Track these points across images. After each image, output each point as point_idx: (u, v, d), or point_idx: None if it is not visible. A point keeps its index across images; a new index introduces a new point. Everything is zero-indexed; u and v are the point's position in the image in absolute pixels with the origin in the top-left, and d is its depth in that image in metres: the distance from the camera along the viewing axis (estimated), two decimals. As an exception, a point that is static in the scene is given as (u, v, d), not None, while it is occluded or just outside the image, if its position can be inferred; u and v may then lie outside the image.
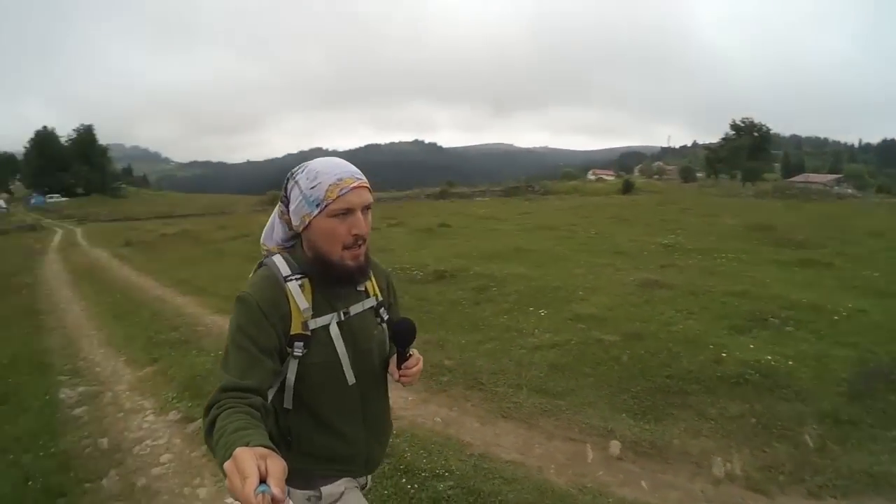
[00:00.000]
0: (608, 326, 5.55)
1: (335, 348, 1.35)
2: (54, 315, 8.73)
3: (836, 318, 5.48)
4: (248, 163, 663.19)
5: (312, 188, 1.29)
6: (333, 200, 1.27)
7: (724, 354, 4.52)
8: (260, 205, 43.95)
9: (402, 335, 1.40)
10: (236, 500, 0.78)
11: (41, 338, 7.23)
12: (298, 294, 1.30)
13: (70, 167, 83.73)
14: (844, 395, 3.87)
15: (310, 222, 1.30)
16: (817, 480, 3.07)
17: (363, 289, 1.46)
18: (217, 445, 1.00)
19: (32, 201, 70.15)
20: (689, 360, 4.50)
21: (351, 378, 1.37)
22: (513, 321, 6.14)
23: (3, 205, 61.22)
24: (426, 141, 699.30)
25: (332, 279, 1.34)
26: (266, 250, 1.44)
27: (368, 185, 1.34)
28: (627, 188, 42.83)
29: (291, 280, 1.31)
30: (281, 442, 1.37)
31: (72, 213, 56.20)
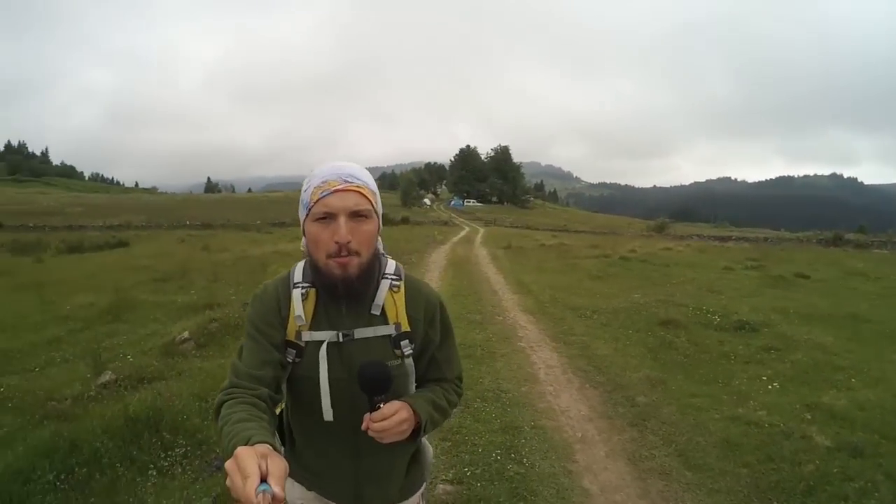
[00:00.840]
0: (854, 427, 3.84)
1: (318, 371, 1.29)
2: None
3: None
4: (655, 188, 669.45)
5: (305, 190, 1.26)
6: (314, 203, 1.22)
7: None
8: (647, 230, 44.11)
9: (363, 378, 1.20)
10: (237, 499, 0.79)
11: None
12: (298, 302, 1.29)
13: (487, 179, 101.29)
14: None
15: (303, 227, 1.28)
16: None
17: (379, 312, 1.33)
18: (221, 432, 1.06)
19: (452, 203, 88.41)
20: None
21: (328, 412, 1.27)
22: (743, 385, 4.95)
23: (428, 202, 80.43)
24: (845, 175, 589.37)
25: (321, 288, 1.29)
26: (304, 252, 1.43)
27: (362, 189, 1.24)
28: None
29: (297, 287, 1.30)
30: (286, 438, 1.44)
31: (482, 216, 67.47)
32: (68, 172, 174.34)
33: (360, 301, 1.30)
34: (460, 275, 13.21)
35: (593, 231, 46.66)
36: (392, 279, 1.34)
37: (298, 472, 1.39)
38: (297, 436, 1.42)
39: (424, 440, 1.52)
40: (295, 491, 1.40)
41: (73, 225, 38.66)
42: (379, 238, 1.36)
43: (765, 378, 5.08)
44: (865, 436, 3.70)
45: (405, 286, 1.36)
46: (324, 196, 1.20)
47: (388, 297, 1.32)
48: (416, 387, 1.41)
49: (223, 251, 19.25)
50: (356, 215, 1.21)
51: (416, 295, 1.38)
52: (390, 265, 1.37)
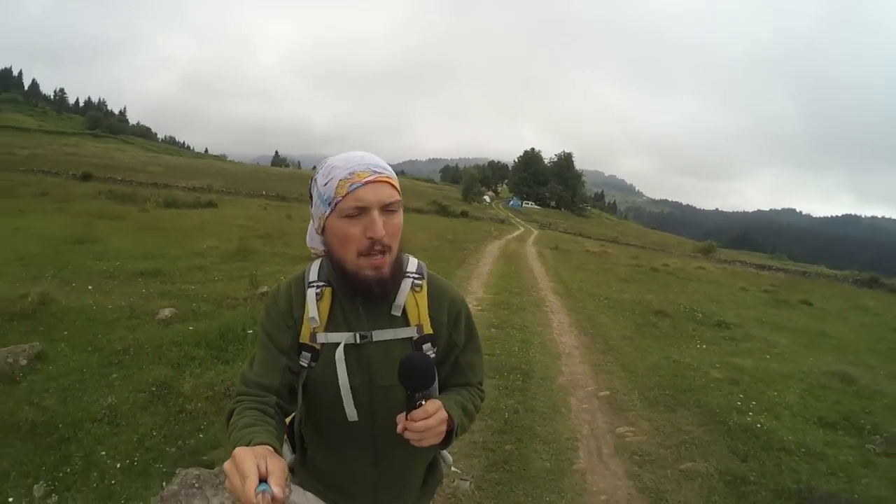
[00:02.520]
0: (743, 374, 5.76)
1: (336, 374, 1.20)
2: (474, 265, 13.56)
3: None
4: (717, 211, 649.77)
5: (325, 185, 1.14)
6: (343, 197, 1.10)
7: None
8: (695, 251, 45.16)
9: (406, 371, 1.08)
10: (236, 499, 0.80)
11: (453, 273, 11.45)
12: (312, 302, 1.21)
13: (547, 183, 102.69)
14: None
15: (325, 224, 1.16)
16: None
17: (399, 313, 1.23)
18: (229, 438, 1.04)
19: (511, 203, 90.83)
20: None
21: (352, 414, 1.20)
22: (687, 349, 6.81)
23: (488, 200, 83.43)
24: None
25: (348, 290, 1.20)
26: (314, 253, 1.31)
27: (392, 180, 1.15)
28: None
29: (312, 286, 1.23)
30: (298, 448, 1.39)
31: (538, 218, 69.31)
32: (144, 133, 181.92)
33: (379, 301, 1.21)
34: (509, 263, 15.70)
35: (643, 245, 47.75)
36: (414, 278, 1.26)
37: (312, 481, 1.36)
38: (310, 444, 1.35)
39: (444, 451, 1.44)
40: (309, 500, 1.36)
41: (159, 182, 38.89)
42: None
43: (705, 347, 7.31)
44: (748, 378, 5.86)
45: (428, 286, 1.28)
46: (354, 188, 1.10)
47: (410, 297, 1.24)
48: (439, 392, 1.29)
49: (305, 220, 21.98)
50: (388, 208, 1.13)
51: (440, 295, 1.29)
52: (412, 263, 1.29)
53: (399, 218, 1.16)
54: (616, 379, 5.51)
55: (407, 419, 1.07)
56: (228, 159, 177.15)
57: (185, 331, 5.02)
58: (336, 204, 1.12)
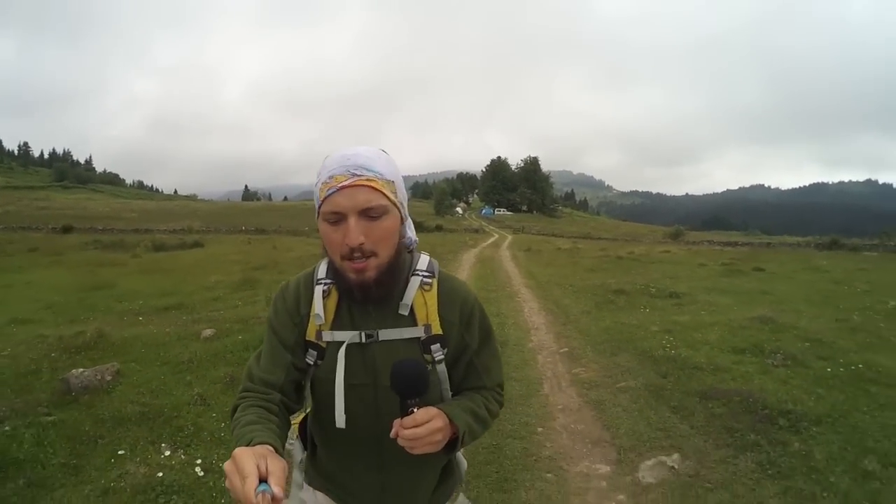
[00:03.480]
0: (678, 326, 7.17)
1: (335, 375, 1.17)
2: (453, 271, 14.58)
3: None
4: (688, 196, 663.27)
5: (315, 185, 1.13)
6: (322, 202, 1.10)
7: None
8: (664, 237, 47.09)
9: (394, 377, 1.07)
10: (236, 500, 0.80)
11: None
12: (318, 299, 1.20)
13: (517, 188, 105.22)
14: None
15: (317, 224, 1.15)
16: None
17: (407, 312, 1.20)
18: (232, 435, 1.05)
19: (483, 212, 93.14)
20: None
21: (340, 419, 1.15)
22: (637, 315, 8.21)
23: (461, 211, 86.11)
24: (880, 181, 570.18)
25: (339, 290, 1.19)
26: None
27: (373, 182, 1.09)
28: None
29: (320, 283, 1.21)
30: (309, 446, 1.39)
31: (511, 224, 71.18)
32: (112, 180, 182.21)
33: (386, 300, 1.19)
34: (485, 267, 17.14)
35: (615, 238, 49.47)
36: (423, 276, 1.23)
37: (320, 480, 1.35)
38: (318, 443, 1.34)
39: (459, 454, 1.40)
40: (318, 499, 1.35)
41: (139, 228, 39.90)
42: (411, 231, 1.27)
43: (650, 311, 8.72)
44: (681, 328, 7.23)
45: (438, 285, 1.24)
46: (330, 194, 1.07)
47: (418, 295, 1.21)
48: (453, 395, 1.28)
49: (290, 251, 22.46)
50: (369, 213, 1.08)
51: (451, 295, 1.25)
52: (423, 261, 1.26)
53: (387, 222, 1.11)
54: (574, 340, 6.87)
55: (400, 425, 1.05)
56: (199, 198, 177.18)
57: (232, 342, 6.20)
58: (319, 208, 1.11)
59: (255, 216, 60.58)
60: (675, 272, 15.42)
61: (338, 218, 1.08)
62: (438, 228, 50.83)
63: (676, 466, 3.38)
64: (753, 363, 5.54)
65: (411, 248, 1.27)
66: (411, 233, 1.27)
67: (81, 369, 5.12)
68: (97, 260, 17.77)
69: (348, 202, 1.06)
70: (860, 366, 5.32)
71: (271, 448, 0.92)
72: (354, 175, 1.07)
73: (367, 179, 1.08)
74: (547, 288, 11.90)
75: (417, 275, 1.22)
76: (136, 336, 6.64)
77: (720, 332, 6.86)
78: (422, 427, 1.04)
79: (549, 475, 3.37)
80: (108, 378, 5.18)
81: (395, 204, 1.13)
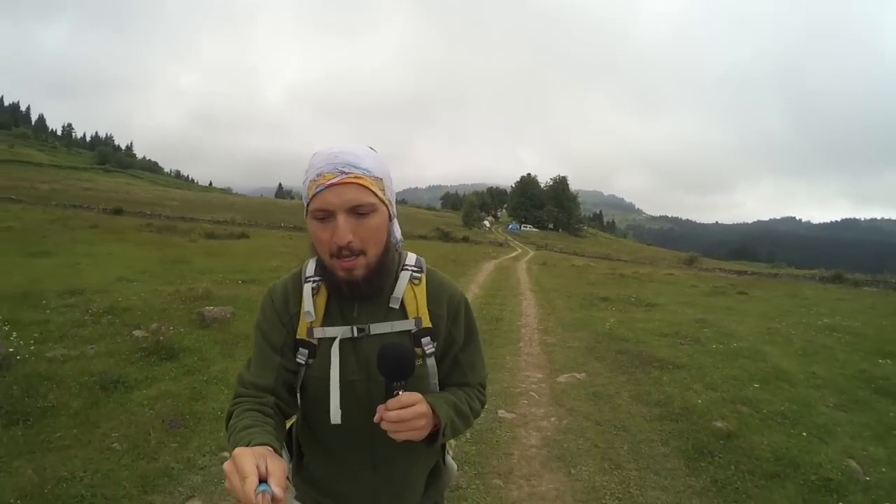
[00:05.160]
0: (628, 322, 9.61)
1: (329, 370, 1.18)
2: (473, 275, 17.22)
3: None
4: (717, 224, 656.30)
5: (304, 183, 1.15)
6: (310, 199, 1.11)
7: None
8: (679, 262, 49.03)
9: (381, 358, 1.10)
10: (236, 500, 0.81)
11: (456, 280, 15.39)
12: (308, 297, 1.22)
13: (544, 206, 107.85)
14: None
15: (305, 220, 1.17)
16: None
17: (397, 306, 1.23)
18: (228, 441, 1.06)
19: (510, 227, 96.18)
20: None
21: (336, 414, 1.16)
22: (609, 315, 10.65)
23: (488, 225, 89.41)
24: None
25: (329, 288, 1.21)
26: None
27: (362, 180, 1.10)
28: None
29: (309, 281, 1.24)
30: (295, 454, 1.39)
31: (535, 241, 73.69)
32: (152, 167, 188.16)
33: (376, 294, 1.21)
34: (501, 274, 19.95)
35: (633, 260, 51.48)
36: (413, 270, 1.27)
37: (309, 491, 1.35)
38: (307, 448, 1.35)
39: (449, 458, 1.47)
40: None
41: (185, 216, 40.60)
42: (396, 229, 1.26)
43: (619, 311, 11.21)
44: (632, 321, 9.71)
45: (427, 279, 1.28)
46: (318, 191, 1.09)
47: (409, 289, 1.25)
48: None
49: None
50: (357, 211, 1.10)
51: (439, 289, 1.29)
52: (410, 257, 1.30)
53: (376, 219, 1.12)
54: (550, 323, 9.54)
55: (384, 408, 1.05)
56: (234, 192, 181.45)
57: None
58: (307, 205, 1.12)
59: (290, 214, 61.47)
60: (664, 290, 17.70)
61: (326, 215, 1.09)
62: (465, 240, 53.53)
63: (579, 378, 5.99)
64: (666, 341, 8.02)
65: (398, 248, 1.28)
66: (398, 233, 1.27)
67: (211, 307, 7.60)
68: (159, 241, 19.13)
69: (336, 200, 1.07)
70: (742, 346, 7.75)
71: (271, 448, 0.93)
72: (343, 172, 1.08)
73: (356, 177, 1.09)
74: (547, 293, 14.48)
75: (407, 269, 1.25)
76: (234, 294, 9.14)
77: (659, 324, 9.37)
78: (406, 409, 1.04)
79: (506, 375, 6.02)
80: (228, 316, 7.73)
81: (383, 202, 1.14)
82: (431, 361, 1.26)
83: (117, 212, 38.04)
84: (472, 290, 13.62)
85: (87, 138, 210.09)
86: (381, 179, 1.15)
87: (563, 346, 7.56)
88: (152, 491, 3.16)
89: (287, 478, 1.03)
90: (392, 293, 1.23)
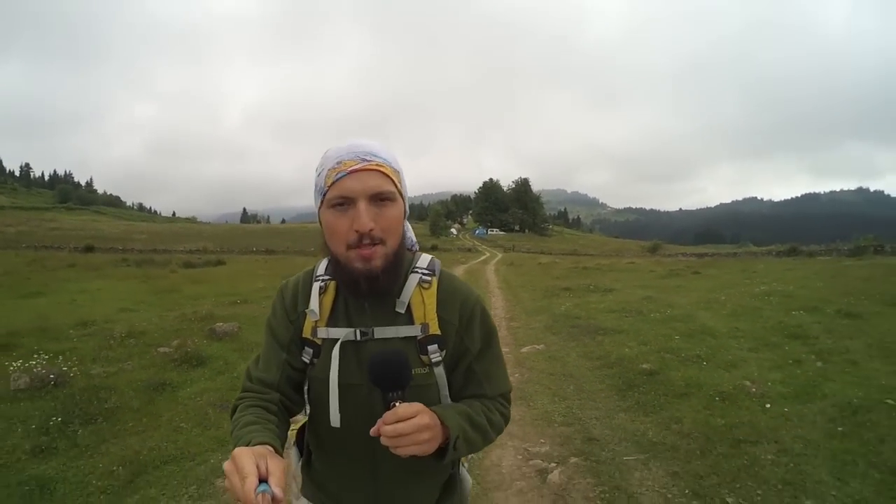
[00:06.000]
0: (585, 303, 11.00)
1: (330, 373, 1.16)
2: None
3: None
4: (681, 211, 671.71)
5: (318, 175, 1.13)
6: (329, 188, 1.09)
7: None
8: (642, 252, 51.22)
9: (371, 366, 1.05)
10: (236, 500, 0.81)
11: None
12: (315, 296, 1.20)
13: (508, 209, 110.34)
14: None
15: (319, 215, 1.15)
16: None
17: (404, 310, 1.19)
18: (231, 436, 1.06)
19: (476, 232, 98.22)
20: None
21: (335, 418, 1.14)
22: (566, 300, 12.04)
23: (455, 232, 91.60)
24: (871, 189, 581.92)
25: (342, 284, 1.19)
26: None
27: (383, 168, 1.10)
28: None
29: (318, 280, 1.22)
30: (305, 452, 1.38)
31: (503, 243, 75.47)
32: (114, 202, 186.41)
33: (384, 296, 1.18)
34: (471, 276, 21.16)
35: (600, 253, 53.48)
36: (423, 273, 1.22)
37: (313, 490, 1.34)
38: (313, 448, 1.33)
39: (463, 470, 1.39)
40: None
41: (157, 248, 41.33)
42: (408, 227, 1.26)
43: (578, 298, 12.56)
44: (587, 303, 11.05)
45: (439, 283, 1.23)
46: (339, 178, 1.07)
47: (417, 293, 1.19)
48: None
49: (300, 269, 26.39)
50: (378, 198, 1.08)
51: (451, 294, 1.23)
52: (423, 259, 1.26)
53: (396, 209, 1.11)
54: (516, 311, 10.94)
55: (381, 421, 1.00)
56: (198, 220, 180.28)
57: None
58: (325, 194, 1.10)
59: (258, 238, 62.20)
60: (623, 277, 19.14)
61: (346, 202, 1.07)
62: (433, 248, 54.57)
63: (538, 348, 7.30)
64: (613, 315, 9.42)
65: (412, 248, 1.28)
66: (411, 233, 1.27)
67: (221, 323, 8.68)
68: (140, 274, 19.72)
69: (359, 186, 1.06)
70: (678, 313, 9.15)
71: (271, 448, 0.93)
72: (364, 160, 1.07)
73: (378, 164, 1.08)
74: (514, 289, 15.83)
75: (417, 272, 1.21)
76: (234, 313, 10.19)
77: (610, 304, 10.78)
78: (405, 423, 0.98)
79: None
80: (236, 330, 8.74)
81: (401, 194, 1.13)
82: (440, 370, 1.20)
83: (89, 249, 38.49)
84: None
85: (46, 177, 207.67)
86: (398, 172, 1.15)
87: (525, 328, 8.88)
88: (227, 447, 4.24)
89: (295, 473, 1.09)
90: (399, 296, 1.18)
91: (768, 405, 4.66)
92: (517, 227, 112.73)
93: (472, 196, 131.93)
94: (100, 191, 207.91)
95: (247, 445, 0.92)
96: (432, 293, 1.20)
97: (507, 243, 75.83)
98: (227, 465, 0.85)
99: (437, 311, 1.19)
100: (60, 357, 6.29)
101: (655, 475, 3.56)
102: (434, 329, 1.18)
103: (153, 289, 15.07)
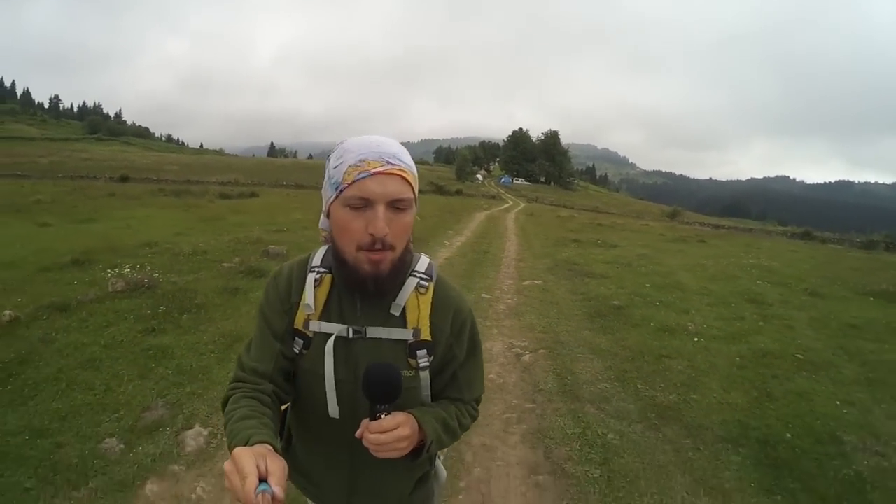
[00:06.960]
0: (588, 257, 12.56)
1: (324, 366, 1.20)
2: (467, 223, 20.19)
3: None
4: (711, 180, 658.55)
5: (336, 167, 1.11)
6: (349, 185, 1.06)
7: None
8: (661, 216, 51.92)
9: (365, 381, 1.08)
10: (236, 500, 0.82)
11: (437, 226, 18.18)
12: (309, 288, 1.20)
13: (536, 160, 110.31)
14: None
15: (330, 208, 1.14)
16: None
17: (398, 313, 1.21)
18: (225, 428, 1.06)
19: (502, 180, 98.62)
20: None
21: (334, 410, 1.20)
22: (568, 249, 13.60)
23: (481, 178, 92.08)
24: None
25: (346, 283, 1.17)
26: (323, 236, 1.26)
27: (406, 174, 1.09)
28: None
29: (313, 272, 1.22)
30: (285, 436, 1.41)
31: (526, 193, 76.22)
32: (143, 133, 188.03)
33: (379, 297, 1.18)
34: (490, 222, 22.85)
35: (620, 213, 53.94)
36: (421, 278, 1.23)
37: (293, 475, 1.36)
38: (295, 434, 1.38)
39: (439, 463, 1.48)
40: (289, 492, 1.27)
41: (190, 179, 41.71)
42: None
43: (583, 249, 14.12)
44: (588, 253, 12.65)
45: (434, 289, 1.24)
46: (361, 178, 1.05)
47: (412, 297, 1.21)
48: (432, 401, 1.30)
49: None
50: (396, 204, 1.08)
51: (445, 301, 1.25)
52: (422, 262, 1.27)
53: (409, 216, 1.11)
54: (525, 255, 12.64)
55: (366, 428, 1.06)
56: (226, 152, 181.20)
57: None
58: (341, 191, 1.07)
59: (286, 173, 62.44)
60: (631, 237, 20.35)
61: (364, 204, 1.05)
62: (458, 192, 55.94)
63: (536, 283, 8.99)
64: (606, 266, 11.03)
65: (410, 248, 1.26)
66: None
67: (273, 245, 10.35)
68: (180, 204, 20.65)
69: (380, 189, 1.05)
70: (661, 269, 10.73)
71: (270, 447, 0.93)
72: (389, 163, 1.06)
73: (401, 170, 1.07)
74: (529, 236, 17.46)
75: (415, 276, 1.22)
76: (280, 238, 11.74)
77: (607, 257, 12.42)
78: (386, 434, 1.05)
79: (489, 281, 9.00)
80: (284, 252, 10.42)
81: (415, 201, 1.13)
82: (425, 374, 1.23)
83: (124, 179, 39.25)
84: (465, 234, 16.49)
85: (75, 109, 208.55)
86: (416, 179, 1.13)
87: (530, 268, 10.56)
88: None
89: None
90: (395, 299, 1.19)
91: (697, 339, 6.19)
92: (543, 179, 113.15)
93: (501, 144, 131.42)
94: (129, 122, 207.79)
95: (245, 444, 0.94)
96: (427, 299, 1.22)
97: (530, 194, 76.54)
98: (227, 465, 0.86)
99: (430, 318, 1.21)
100: (149, 266, 7.26)
101: (595, 366, 5.25)
102: (425, 335, 1.21)
103: (198, 217, 16.15)
